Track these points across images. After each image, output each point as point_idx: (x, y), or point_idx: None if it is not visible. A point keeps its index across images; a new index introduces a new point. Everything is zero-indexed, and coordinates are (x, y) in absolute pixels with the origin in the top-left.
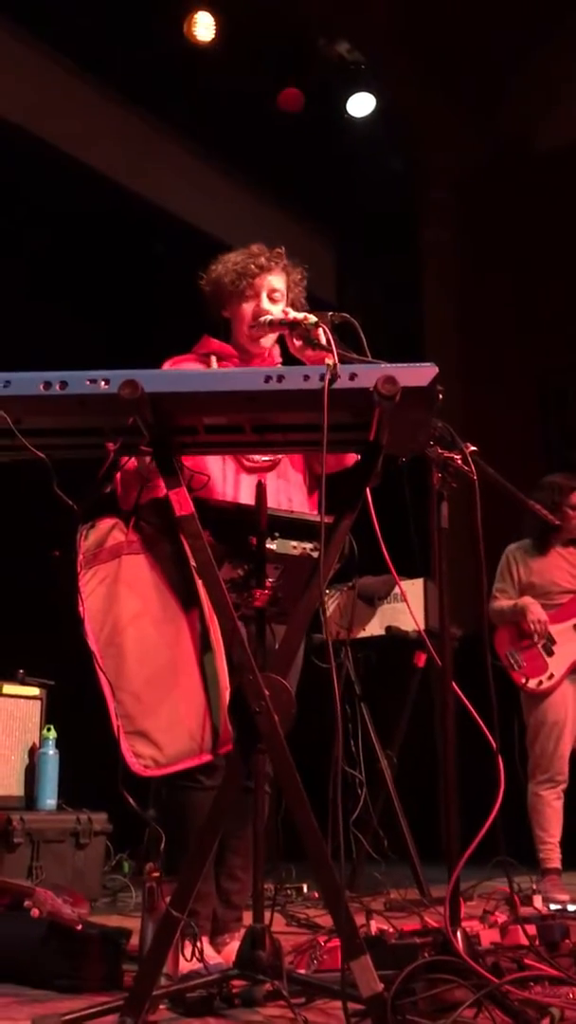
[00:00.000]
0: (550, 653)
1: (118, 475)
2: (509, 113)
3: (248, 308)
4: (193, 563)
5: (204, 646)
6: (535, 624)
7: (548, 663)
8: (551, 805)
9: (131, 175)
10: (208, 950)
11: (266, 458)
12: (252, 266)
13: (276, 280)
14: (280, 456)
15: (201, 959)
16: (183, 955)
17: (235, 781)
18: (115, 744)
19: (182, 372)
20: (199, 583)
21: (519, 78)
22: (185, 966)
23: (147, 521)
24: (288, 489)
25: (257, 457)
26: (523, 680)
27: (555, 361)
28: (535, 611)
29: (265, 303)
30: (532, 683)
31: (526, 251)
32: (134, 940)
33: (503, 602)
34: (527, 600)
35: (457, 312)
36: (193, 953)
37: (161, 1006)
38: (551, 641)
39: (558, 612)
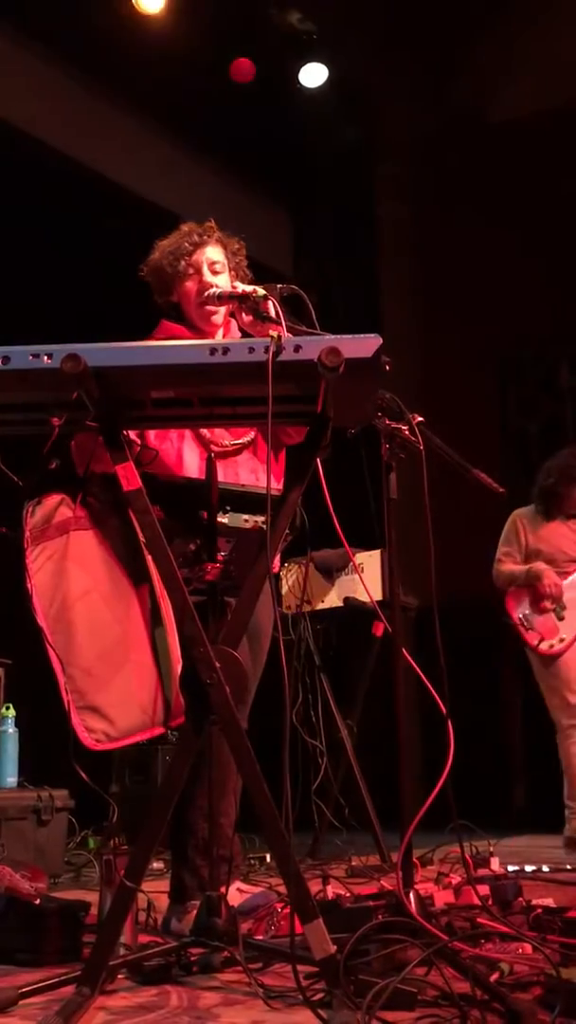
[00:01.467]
0: (560, 618)
1: (73, 441)
2: (462, 84)
3: (192, 286)
4: (142, 538)
5: (155, 620)
6: (551, 588)
7: (559, 627)
8: None
9: (79, 147)
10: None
11: (236, 442)
12: (186, 244)
13: (213, 252)
14: (250, 439)
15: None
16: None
17: (188, 753)
18: (67, 720)
19: (126, 346)
20: (149, 558)
21: (472, 49)
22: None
23: (95, 496)
24: (261, 469)
25: (225, 442)
26: (536, 641)
27: (512, 332)
28: (551, 576)
29: (208, 276)
30: (544, 645)
31: (481, 222)
32: (94, 912)
33: (511, 566)
34: (542, 566)
35: (414, 283)
36: (146, 923)
37: (119, 975)
38: (562, 607)
39: (565, 579)
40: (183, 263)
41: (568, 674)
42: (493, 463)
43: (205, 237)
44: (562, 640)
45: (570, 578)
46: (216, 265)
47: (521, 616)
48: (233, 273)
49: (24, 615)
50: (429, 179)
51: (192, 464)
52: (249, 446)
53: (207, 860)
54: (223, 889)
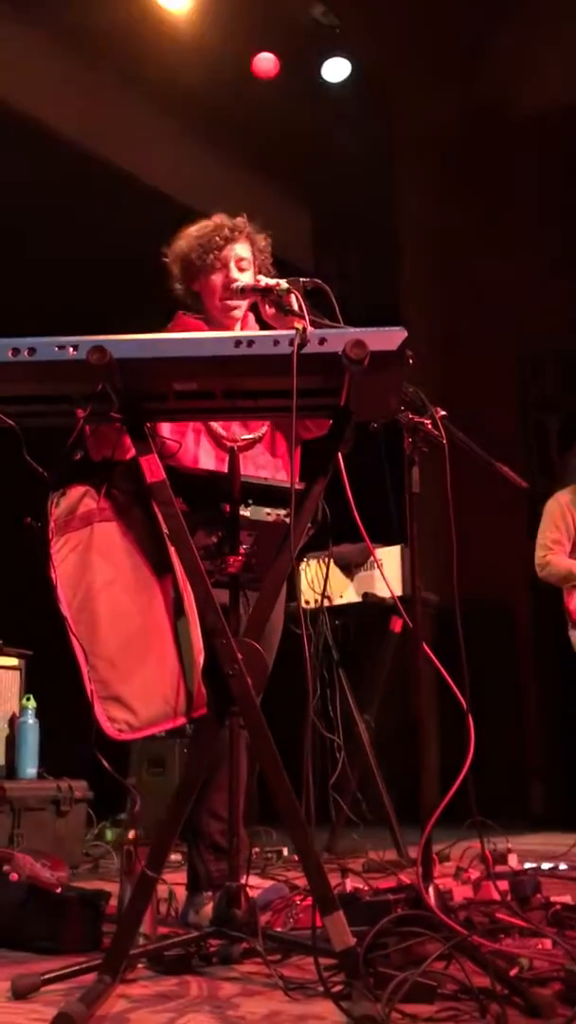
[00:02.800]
0: None
1: (88, 429)
2: (485, 79)
3: (218, 280)
4: (165, 530)
5: (177, 612)
6: None
7: None
8: None
9: (99, 140)
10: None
11: (249, 436)
12: (217, 238)
13: (242, 249)
14: (263, 432)
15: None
16: None
17: (209, 743)
18: (89, 710)
19: (151, 338)
20: (171, 550)
21: (495, 44)
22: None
23: (119, 488)
24: (274, 464)
25: (239, 436)
26: None
27: (533, 329)
28: None
29: (234, 272)
30: None
31: (503, 218)
32: (113, 903)
33: (564, 560)
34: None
35: (435, 279)
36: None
37: (139, 965)
38: None
39: None
40: (211, 256)
41: None
42: (513, 458)
43: (236, 233)
44: None
45: None
46: (243, 262)
47: None
48: (257, 269)
49: (43, 607)
50: (451, 174)
51: (206, 460)
52: (261, 440)
53: (215, 853)
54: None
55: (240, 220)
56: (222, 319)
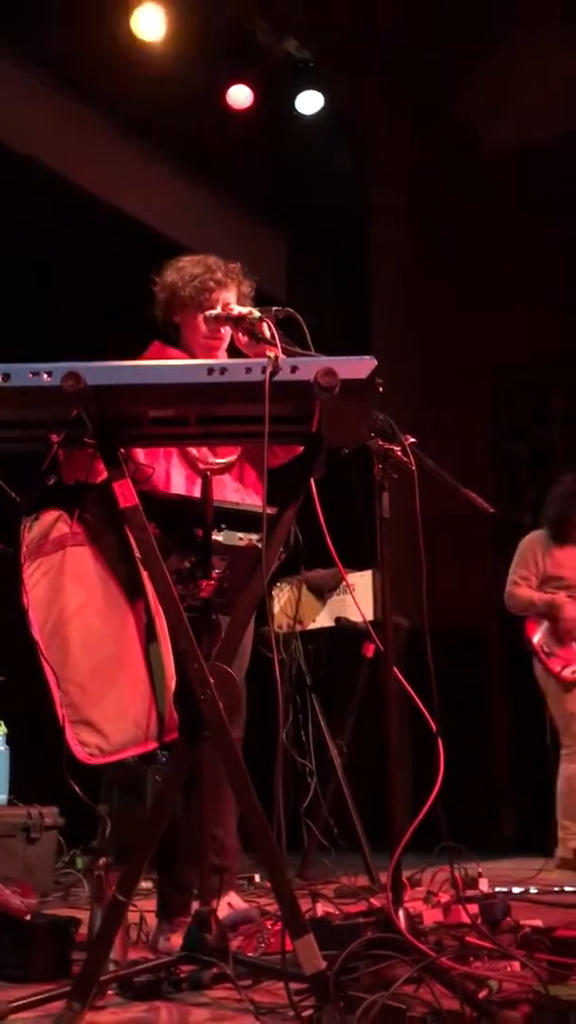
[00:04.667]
0: None
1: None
2: (457, 114)
3: (203, 322)
4: (138, 554)
5: (149, 636)
6: (571, 623)
7: None
8: None
9: (75, 169)
10: (235, 900)
11: (220, 461)
12: (211, 282)
13: (230, 295)
14: (235, 459)
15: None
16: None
17: (181, 769)
18: (61, 734)
19: (126, 364)
20: (144, 574)
21: (467, 80)
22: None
23: (92, 513)
24: (242, 491)
25: (212, 460)
26: (559, 668)
27: (504, 357)
28: (570, 611)
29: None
30: (568, 671)
31: (475, 249)
32: (83, 930)
33: (529, 592)
34: (562, 599)
35: (408, 310)
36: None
37: (109, 991)
38: None
39: None
40: (202, 297)
41: (571, 702)
42: (483, 485)
43: (228, 280)
44: None
45: None
46: (230, 307)
47: (542, 643)
48: None
49: (13, 631)
50: (423, 206)
51: (179, 484)
52: (235, 465)
53: (188, 880)
54: (215, 902)
55: (234, 266)
56: (201, 355)
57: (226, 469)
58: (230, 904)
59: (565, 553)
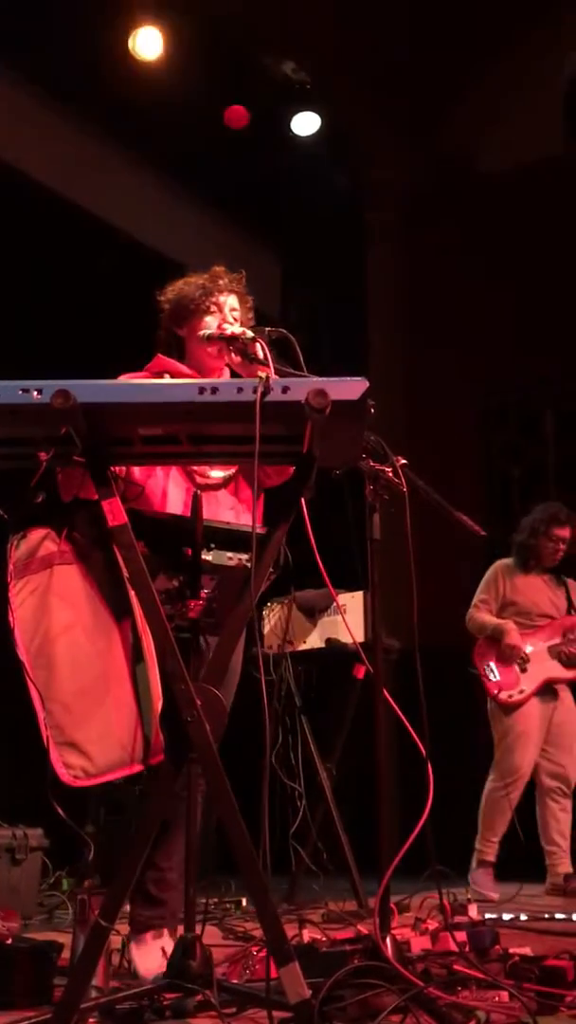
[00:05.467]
0: (524, 670)
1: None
2: (451, 135)
3: (212, 323)
4: (126, 573)
5: (136, 657)
6: (509, 649)
7: (521, 679)
8: (508, 807)
9: (73, 188)
10: (168, 944)
11: (219, 474)
12: (220, 282)
13: (235, 301)
14: (232, 473)
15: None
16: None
17: (166, 791)
18: (45, 755)
19: (116, 383)
20: (132, 594)
21: (461, 101)
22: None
23: (80, 531)
24: (238, 508)
25: (211, 474)
26: (496, 691)
27: (496, 378)
28: (513, 638)
29: (228, 317)
30: (504, 695)
31: (468, 270)
32: (66, 954)
33: (485, 616)
34: (509, 626)
35: (401, 330)
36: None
37: (91, 1019)
38: (525, 659)
39: (535, 633)
40: (209, 301)
41: (519, 727)
42: (475, 507)
43: (235, 285)
44: (521, 692)
45: (538, 644)
46: (234, 312)
47: (486, 665)
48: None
49: (1, 651)
50: (417, 227)
51: (177, 499)
52: (233, 480)
53: (144, 900)
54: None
55: (239, 276)
56: (208, 362)
57: (224, 484)
58: (164, 950)
59: (526, 581)
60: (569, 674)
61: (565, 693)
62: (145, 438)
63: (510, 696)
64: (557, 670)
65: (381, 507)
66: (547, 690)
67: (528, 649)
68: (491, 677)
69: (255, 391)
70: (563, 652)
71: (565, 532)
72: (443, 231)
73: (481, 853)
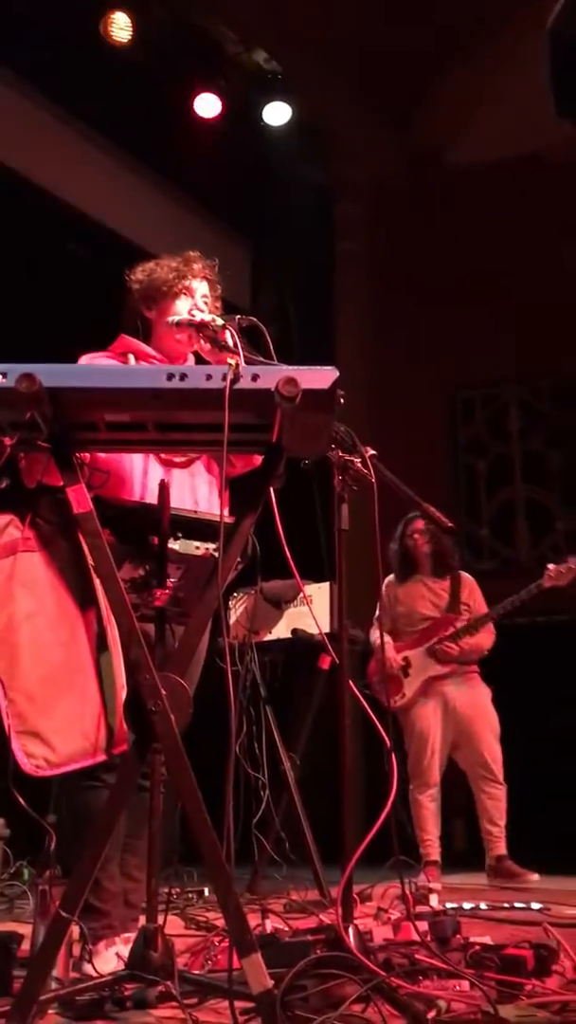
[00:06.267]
0: (406, 675)
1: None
2: (422, 130)
3: (183, 306)
4: (91, 562)
5: (100, 646)
6: (384, 663)
7: (404, 683)
8: (427, 807)
9: (42, 173)
10: (123, 950)
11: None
12: (194, 267)
13: (207, 288)
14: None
15: (91, 960)
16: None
17: (129, 781)
18: (6, 745)
19: (83, 367)
20: (97, 582)
21: (433, 96)
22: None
23: (44, 518)
24: (201, 487)
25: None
26: (384, 700)
27: (463, 372)
28: (384, 653)
29: (199, 302)
30: (390, 701)
31: (437, 264)
32: (26, 946)
33: (373, 634)
34: (379, 644)
35: (369, 320)
36: (81, 955)
37: (50, 1011)
38: (408, 664)
39: (416, 638)
40: (181, 284)
41: (415, 728)
42: (442, 500)
43: (207, 272)
44: (403, 696)
45: (418, 648)
46: (205, 298)
47: (376, 678)
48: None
49: None
50: (387, 220)
51: (156, 476)
52: (192, 463)
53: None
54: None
55: (212, 262)
56: (175, 348)
57: (190, 463)
58: (118, 955)
59: (406, 590)
60: (445, 669)
61: (465, 688)
62: (111, 424)
63: (396, 701)
64: (434, 668)
65: (349, 498)
66: (430, 688)
67: (410, 654)
68: (381, 689)
69: (224, 378)
70: (436, 650)
71: (418, 523)
72: (413, 224)
73: (424, 853)
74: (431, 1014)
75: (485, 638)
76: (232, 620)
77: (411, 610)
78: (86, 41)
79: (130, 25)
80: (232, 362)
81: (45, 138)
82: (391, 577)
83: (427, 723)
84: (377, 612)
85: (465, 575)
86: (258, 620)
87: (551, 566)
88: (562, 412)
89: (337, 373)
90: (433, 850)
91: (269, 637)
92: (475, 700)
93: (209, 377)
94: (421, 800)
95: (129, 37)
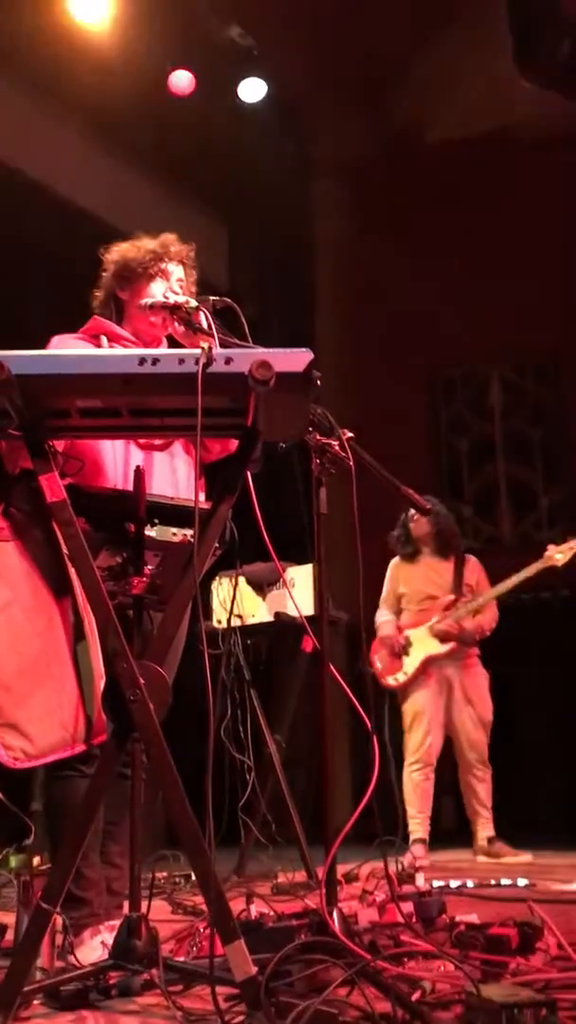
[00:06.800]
0: (406, 654)
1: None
2: (400, 105)
3: (157, 289)
4: (66, 551)
5: (77, 635)
6: (385, 641)
7: (404, 663)
8: (420, 785)
9: (16, 153)
10: (108, 937)
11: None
12: (171, 250)
13: (183, 271)
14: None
15: (72, 952)
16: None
17: (109, 770)
18: None
19: (54, 354)
20: (72, 571)
21: (410, 70)
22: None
23: (18, 507)
24: (180, 468)
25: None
26: (383, 679)
27: (442, 350)
28: (383, 631)
29: (174, 286)
30: (389, 679)
31: (415, 241)
32: (10, 935)
33: (378, 615)
34: (382, 621)
35: (349, 300)
36: (63, 945)
37: (35, 1001)
38: (408, 644)
39: (418, 616)
40: (157, 266)
41: (415, 708)
42: (425, 479)
43: (183, 255)
44: (404, 674)
45: (421, 627)
46: (180, 283)
47: (377, 657)
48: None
49: None
50: (365, 197)
51: (134, 461)
52: (168, 446)
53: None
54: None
55: (190, 246)
56: (148, 330)
57: (167, 446)
58: (104, 943)
59: (410, 570)
60: (445, 649)
61: (465, 671)
62: (83, 411)
63: (395, 680)
64: (434, 647)
65: (328, 481)
66: (439, 672)
67: (412, 633)
68: (378, 666)
69: (197, 363)
70: (434, 629)
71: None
72: (391, 201)
73: (411, 831)
74: (415, 995)
75: (488, 619)
76: (215, 604)
77: (415, 589)
78: (57, 19)
79: (104, 2)
80: (205, 346)
81: (12, 117)
82: (396, 559)
83: (426, 702)
84: (382, 595)
85: (471, 558)
86: (241, 604)
87: (551, 546)
88: (544, 389)
89: (311, 355)
90: (421, 828)
91: (252, 620)
92: (475, 685)
93: (182, 361)
94: (415, 778)
95: (103, 15)
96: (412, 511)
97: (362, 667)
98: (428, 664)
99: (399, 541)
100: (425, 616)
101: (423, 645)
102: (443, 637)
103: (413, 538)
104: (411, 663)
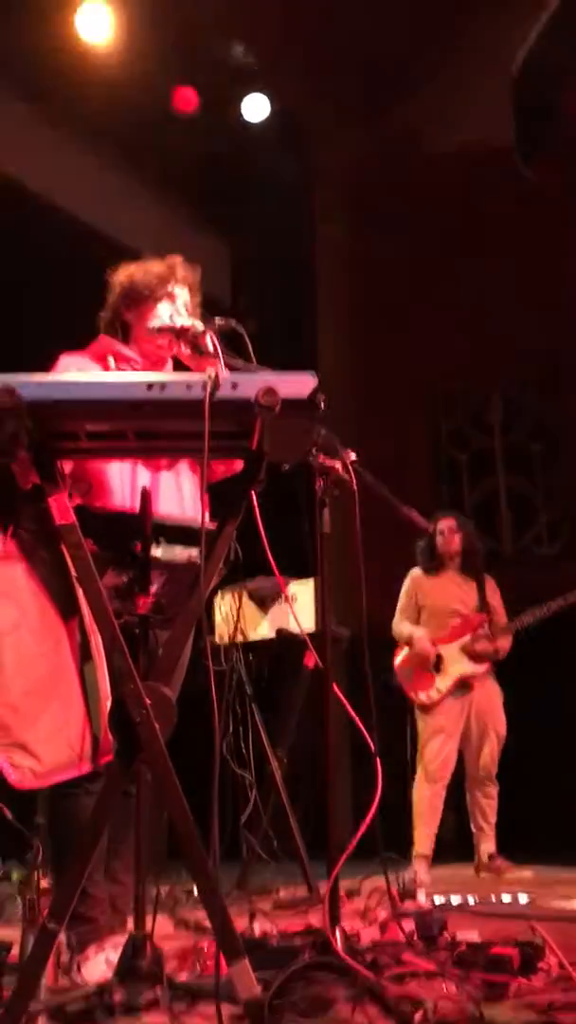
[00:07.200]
0: (438, 671)
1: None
2: (399, 117)
3: (164, 311)
4: (73, 572)
5: (84, 656)
6: (420, 656)
7: (435, 679)
8: (431, 802)
9: (20, 169)
10: (113, 955)
11: None
12: (177, 275)
13: (188, 295)
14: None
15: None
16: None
17: (115, 791)
18: None
19: (63, 379)
20: (79, 592)
21: (409, 83)
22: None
23: (26, 529)
24: (186, 486)
25: None
26: (413, 694)
27: (444, 364)
28: (421, 645)
29: (180, 308)
30: (421, 696)
31: (417, 254)
32: (15, 951)
33: (403, 625)
34: (418, 636)
35: (350, 313)
36: (70, 963)
37: (40, 1020)
38: (440, 660)
39: (448, 634)
40: (164, 289)
41: (437, 724)
42: (425, 492)
43: (191, 280)
44: (438, 692)
45: (451, 644)
46: (187, 304)
47: (402, 670)
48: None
49: None
50: (366, 211)
51: (141, 481)
52: (174, 464)
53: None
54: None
55: (195, 269)
56: (154, 352)
57: (172, 464)
58: (107, 960)
59: (433, 583)
60: (480, 669)
61: (481, 687)
62: (91, 434)
63: (428, 697)
64: (468, 667)
65: (331, 500)
66: (462, 686)
67: (442, 650)
68: (407, 681)
69: (204, 388)
70: (470, 649)
71: (449, 521)
72: (392, 214)
73: (416, 846)
74: (418, 1015)
75: (509, 641)
76: (218, 620)
77: (441, 603)
78: (63, 37)
79: (108, 21)
80: (211, 371)
81: (18, 135)
82: (416, 570)
83: (450, 720)
84: (401, 605)
85: (489, 578)
86: (243, 619)
87: None
88: (544, 404)
89: (316, 381)
90: (425, 845)
91: (255, 636)
92: (490, 700)
93: (189, 387)
94: (427, 795)
95: (107, 34)
96: (442, 525)
97: (388, 681)
98: (462, 683)
99: (423, 554)
100: (455, 633)
101: (458, 664)
102: (479, 657)
103: (439, 553)
104: (444, 682)
